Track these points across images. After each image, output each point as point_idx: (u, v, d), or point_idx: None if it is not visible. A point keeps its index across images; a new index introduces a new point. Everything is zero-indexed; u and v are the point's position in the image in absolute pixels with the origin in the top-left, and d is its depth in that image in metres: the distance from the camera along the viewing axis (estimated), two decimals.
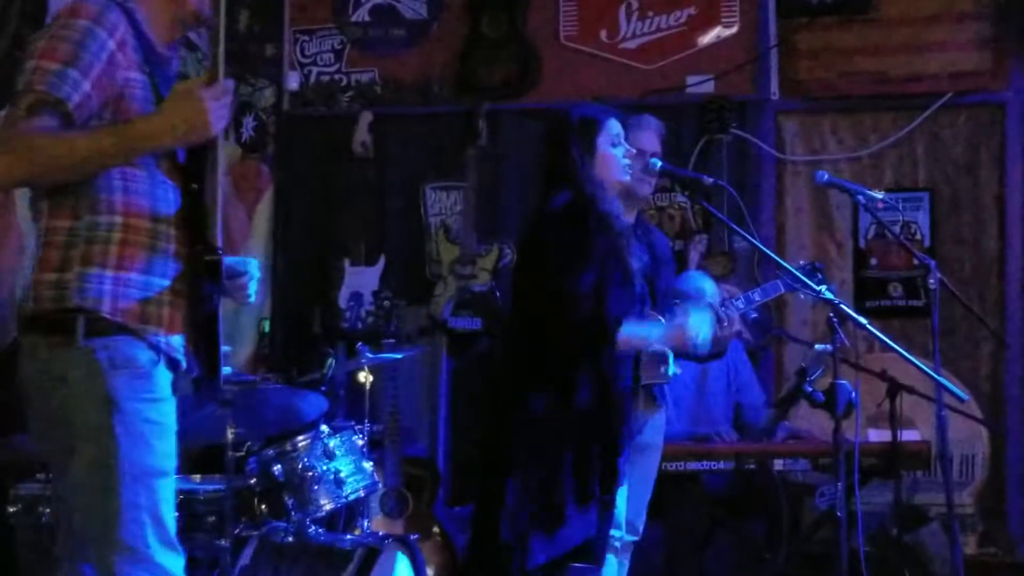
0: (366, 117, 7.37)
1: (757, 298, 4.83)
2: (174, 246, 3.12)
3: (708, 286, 5.62)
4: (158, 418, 3.08)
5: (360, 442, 5.13)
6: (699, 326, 4.25)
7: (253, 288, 3.35)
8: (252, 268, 3.35)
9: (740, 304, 4.79)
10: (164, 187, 3.12)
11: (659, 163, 4.56)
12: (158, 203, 3.10)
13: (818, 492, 5.89)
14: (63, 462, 3.08)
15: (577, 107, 4.53)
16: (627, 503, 4.65)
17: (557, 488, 4.20)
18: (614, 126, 4.41)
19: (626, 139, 4.58)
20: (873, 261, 6.89)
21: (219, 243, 3.14)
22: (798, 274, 4.45)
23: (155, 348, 3.08)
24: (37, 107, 2.94)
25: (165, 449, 3.10)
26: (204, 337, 3.16)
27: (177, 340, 3.14)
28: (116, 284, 3.03)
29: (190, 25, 3.26)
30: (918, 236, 6.83)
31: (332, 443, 4.92)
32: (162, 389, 3.11)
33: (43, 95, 2.94)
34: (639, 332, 4.29)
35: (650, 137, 4.82)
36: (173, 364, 3.15)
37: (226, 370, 3.55)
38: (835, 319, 4.28)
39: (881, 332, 6.58)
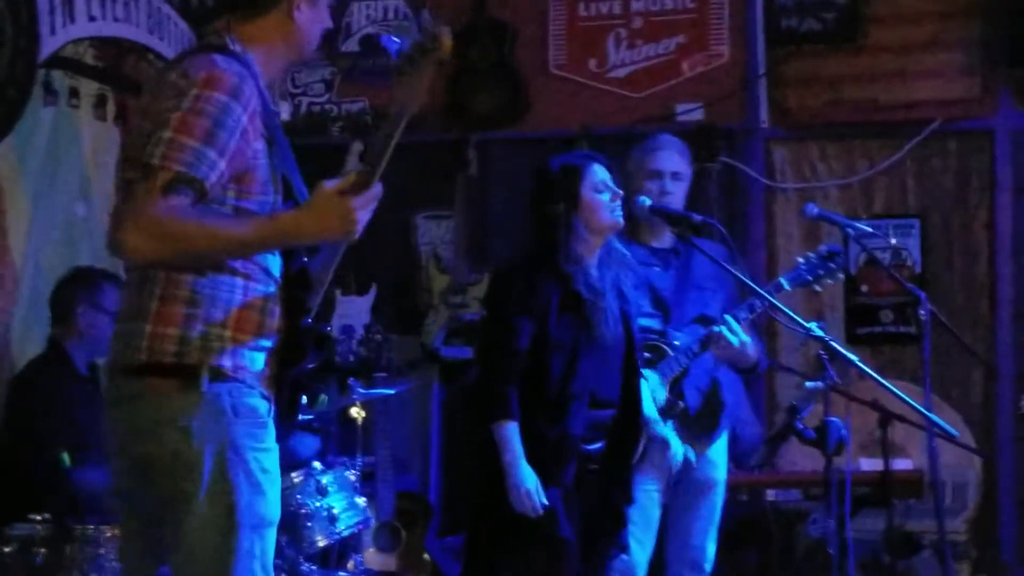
0: (357, 147, 7.37)
1: (758, 306, 4.71)
2: (279, 309, 3.11)
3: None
4: (272, 468, 3.09)
5: (352, 477, 5.15)
6: None
7: None
8: None
9: (741, 314, 4.71)
10: (274, 253, 3.12)
11: (648, 201, 4.58)
12: (271, 268, 3.11)
13: (810, 519, 5.91)
14: (163, 509, 3.03)
15: (558, 157, 4.53)
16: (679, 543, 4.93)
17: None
18: (598, 171, 4.40)
19: (645, 163, 4.77)
20: (864, 288, 6.90)
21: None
22: (790, 312, 4.46)
23: (268, 400, 3.09)
24: (175, 185, 2.88)
25: (276, 499, 3.11)
26: (288, 400, 3.16)
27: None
28: (235, 344, 3.02)
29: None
30: (909, 262, 6.85)
31: (325, 480, 4.95)
32: (273, 439, 3.11)
33: (182, 174, 2.89)
34: (512, 447, 4.26)
35: (666, 157, 4.85)
36: None
37: None
38: (825, 355, 4.30)
39: (873, 357, 6.72)
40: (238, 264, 3.03)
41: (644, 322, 4.77)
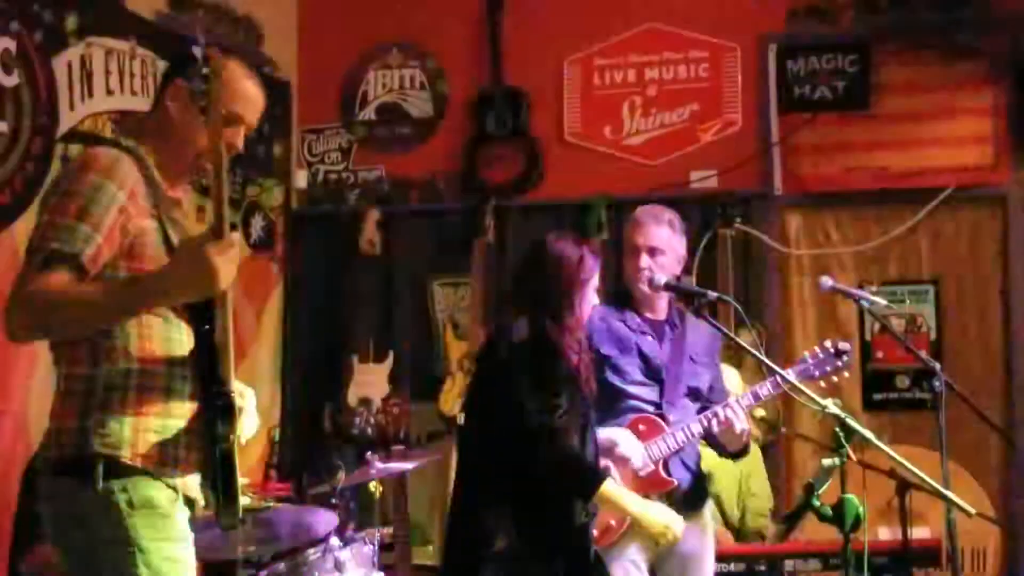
0: (373, 215, 7.44)
1: (764, 392, 4.77)
2: (189, 387, 3.17)
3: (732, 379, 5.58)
4: (179, 556, 3.13)
5: (370, 552, 5.14)
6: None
7: (250, 424, 3.36)
8: (247, 402, 3.34)
9: (745, 400, 4.78)
10: (178, 329, 3.18)
11: (663, 278, 4.61)
12: (172, 346, 3.17)
13: None
14: None
15: (577, 246, 4.40)
16: None
17: None
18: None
19: (626, 237, 4.81)
20: (879, 354, 6.91)
21: (232, 381, 3.17)
22: (800, 386, 4.47)
23: (173, 488, 3.14)
24: (51, 262, 3.01)
25: None
26: (222, 475, 3.19)
27: (193, 480, 3.19)
28: (135, 430, 3.09)
29: (202, 164, 3.28)
30: (924, 329, 6.86)
31: (343, 556, 4.94)
32: (182, 528, 3.16)
33: (56, 251, 3.01)
34: (628, 496, 4.40)
35: (640, 232, 4.79)
36: (189, 503, 3.21)
37: (244, 500, 3.57)
38: (841, 432, 4.30)
39: (890, 424, 6.71)
40: (134, 349, 3.11)
41: (636, 391, 4.78)
